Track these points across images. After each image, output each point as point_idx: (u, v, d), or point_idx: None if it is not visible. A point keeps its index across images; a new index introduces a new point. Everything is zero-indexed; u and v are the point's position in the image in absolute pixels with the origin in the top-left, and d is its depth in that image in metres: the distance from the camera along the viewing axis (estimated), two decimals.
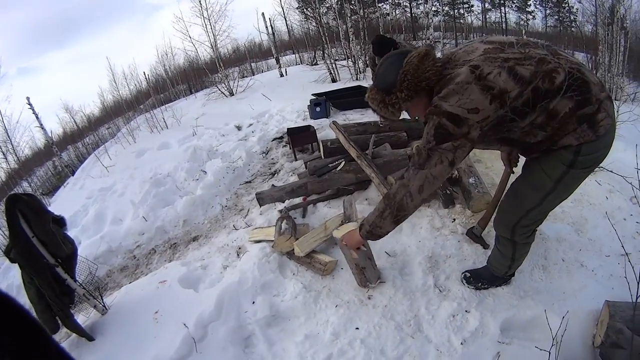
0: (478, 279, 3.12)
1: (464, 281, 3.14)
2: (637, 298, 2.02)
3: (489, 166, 4.94)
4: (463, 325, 2.84)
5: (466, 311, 2.94)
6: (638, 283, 1.98)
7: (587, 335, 2.71)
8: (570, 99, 2.00)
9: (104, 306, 3.56)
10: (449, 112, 2.03)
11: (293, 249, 3.67)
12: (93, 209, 6.52)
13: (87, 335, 3.27)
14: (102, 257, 5.16)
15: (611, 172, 4.33)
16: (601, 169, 4.70)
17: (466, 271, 3.20)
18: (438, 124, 2.07)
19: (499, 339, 2.73)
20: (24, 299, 4.38)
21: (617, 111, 6.12)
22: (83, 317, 3.51)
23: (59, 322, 3.29)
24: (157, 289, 3.65)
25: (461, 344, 2.72)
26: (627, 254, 2.17)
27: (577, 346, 2.67)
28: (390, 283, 3.27)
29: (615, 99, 9.96)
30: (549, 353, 2.17)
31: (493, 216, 3.03)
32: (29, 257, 3.09)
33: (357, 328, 2.92)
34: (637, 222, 2.63)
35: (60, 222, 3.47)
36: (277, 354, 2.87)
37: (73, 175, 11.38)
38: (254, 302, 3.25)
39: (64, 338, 3.46)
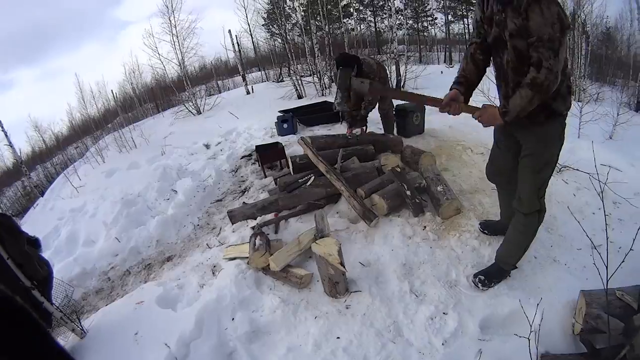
0: (491, 279, 3.33)
1: (479, 285, 3.31)
2: (607, 284, 2.21)
3: (456, 174, 5.12)
4: (442, 327, 3.00)
5: (444, 313, 3.11)
6: (607, 270, 2.17)
7: (567, 325, 2.92)
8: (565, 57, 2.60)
9: (82, 329, 3.47)
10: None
11: (268, 265, 3.73)
12: (65, 231, 6.42)
13: (69, 358, 3.18)
14: (77, 279, 5.08)
15: (577, 170, 4.50)
16: (567, 168, 4.93)
17: (478, 274, 3.37)
18: (557, 11, 2.38)
19: (479, 337, 2.91)
20: None
21: (581, 112, 6.37)
22: (61, 341, 3.40)
23: None
24: (135, 310, 3.62)
25: (442, 344, 2.87)
26: (596, 246, 2.31)
27: (558, 336, 2.87)
28: (366, 292, 3.37)
29: (578, 100, 10.36)
30: (528, 340, 2.30)
31: None
32: (4, 279, 2.85)
33: (338, 337, 3.00)
34: (607, 215, 2.80)
35: (35, 243, 3.46)
36: None
37: (42, 196, 11.17)
38: (233, 319, 3.28)
39: None
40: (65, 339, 3.45)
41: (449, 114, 2.97)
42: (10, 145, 12.80)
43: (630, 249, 2.30)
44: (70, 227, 6.54)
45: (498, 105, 2.79)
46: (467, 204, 4.42)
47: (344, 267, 3.22)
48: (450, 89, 3.05)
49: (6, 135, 12.61)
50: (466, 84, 3.08)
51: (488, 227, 3.95)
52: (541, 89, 2.52)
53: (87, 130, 21.00)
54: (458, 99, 2.98)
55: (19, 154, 13.34)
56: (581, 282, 3.00)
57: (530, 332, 2.34)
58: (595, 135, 6.34)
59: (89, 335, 3.45)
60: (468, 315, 3.07)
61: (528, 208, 3.08)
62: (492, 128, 3.14)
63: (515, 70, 2.73)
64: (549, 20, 2.36)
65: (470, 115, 2.91)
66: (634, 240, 2.13)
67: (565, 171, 4.97)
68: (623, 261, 2.28)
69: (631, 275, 2.85)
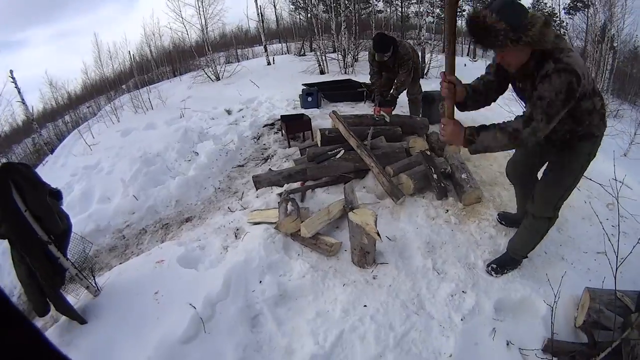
0: (504, 267, 3.46)
1: (493, 272, 3.43)
2: (615, 271, 2.43)
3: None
4: (461, 304, 3.12)
5: (463, 292, 3.24)
6: (617, 258, 2.39)
7: (569, 317, 3.10)
8: (599, 98, 2.76)
9: (97, 287, 3.39)
10: (578, 73, 2.40)
11: (297, 231, 3.70)
12: (79, 187, 6.32)
13: (79, 317, 3.08)
14: (90, 236, 4.89)
15: (590, 179, 4.56)
16: (582, 177, 4.93)
17: (491, 263, 3.49)
18: (570, 81, 2.40)
19: (493, 317, 3.04)
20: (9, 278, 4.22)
21: None
22: (73, 298, 3.31)
23: (49, 303, 3.11)
24: (155, 269, 3.55)
25: (461, 320, 2.97)
26: (600, 252, 2.30)
27: (560, 326, 2.97)
28: (392, 265, 3.45)
29: None
30: (552, 306, 2.59)
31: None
32: (21, 232, 2.86)
33: (365, 305, 3.05)
34: (613, 226, 2.80)
35: (56, 195, 3.32)
36: (286, 332, 2.90)
37: (52, 154, 11.12)
38: (261, 282, 3.25)
39: (49, 322, 3.34)
40: (77, 296, 3.35)
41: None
42: (23, 102, 12.71)
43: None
44: (84, 183, 6.46)
45: (466, 128, 2.77)
46: (487, 194, 4.49)
47: (380, 236, 3.22)
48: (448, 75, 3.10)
49: (19, 92, 12.51)
50: (473, 93, 3.07)
51: (505, 219, 4.08)
52: (516, 142, 2.62)
53: (101, 90, 20.96)
54: (457, 86, 2.93)
55: (31, 111, 13.25)
56: (584, 282, 3.13)
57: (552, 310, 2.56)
58: (610, 151, 6.29)
59: (104, 293, 3.37)
60: (484, 296, 3.21)
61: (540, 213, 3.22)
62: None
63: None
64: (557, 87, 2.42)
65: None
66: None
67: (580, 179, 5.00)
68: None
69: (632, 283, 3.15)
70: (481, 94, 3.07)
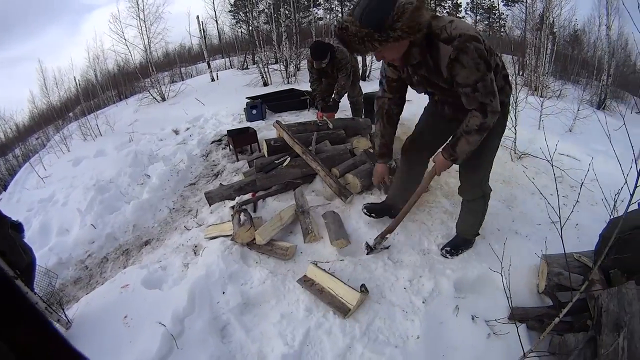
0: (457, 248, 3.64)
1: (447, 255, 3.59)
2: (564, 246, 2.47)
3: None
4: (420, 289, 3.25)
5: (420, 276, 3.34)
6: (562, 236, 2.39)
7: (532, 285, 3.33)
8: (498, 57, 2.85)
9: (68, 319, 3.35)
10: (473, 34, 2.45)
11: (253, 240, 3.85)
12: (36, 221, 6.29)
13: None
14: (53, 269, 4.82)
15: (536, 157, 4.80)
16: (526, 155, 5.23)
17: (444, 247, 3.65)
18: (476, 47, 2.44)
19: (455, 295, 3.16)
20: None
21: (542, 106, 6.71)
22: None
23: None
24: (121, 294, 3.59)
25: (423, 302, 3.10)
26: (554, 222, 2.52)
27: (525, 294, 3.23)
28: (347, 261, 3.54)
29: (540, 96, 10.85)
30: (501, 275, 2.69)
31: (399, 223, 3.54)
32: None
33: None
34: (564, 196, 3.03)
35: (18, 228, 3.38)
36: (256, 338, 2.98)
37: (5, 190, 10.95)
38: (224, 292, 3.35)
39: None
40: None
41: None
42: None
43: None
44: (41, 217, 6.43)
45: (442, 153, 3.02)
46: (433, 183, 4.55)
47: None
48: (379, 162, 3.66)
49: None
50: (388, 152, 3.55)
51: (373, 211, 4.07)
52: (488, 129, 2.73)
53: (49, 120, 20.55)
54: (388, 172, 3.63)
55: None
56: (542, 250, 3.21)
57: (506, 291, 2.63)
58: (555, 128, 6.68)
59: (75, 324, 3.37)
60: (442, 277, 3.34)
61: (474, 196, 3.45)
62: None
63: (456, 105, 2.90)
64: (472, 62, 2.46)
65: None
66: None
67: (525, 158, 5.30)
68: None
69: (591, 245, 3.17)
70: (392, 132, 3.47)
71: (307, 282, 3.34)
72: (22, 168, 12.54)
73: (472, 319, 2.98)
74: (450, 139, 3.00)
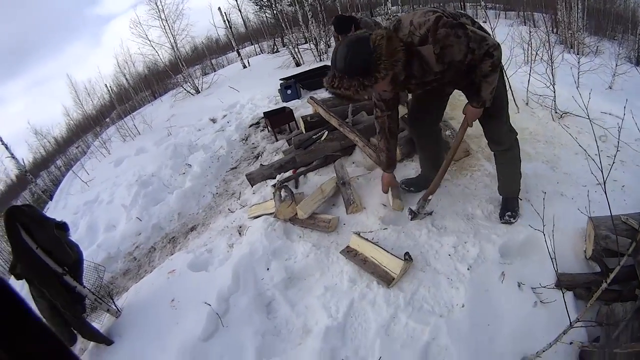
0: (514, 209, 3.46)
1: (512, 219, 3.40)
2: (610, 210, 2.27)
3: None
4: (465, 255, 3.13)
5: (465, 242, 3.24)
6: (607, 197, 2.25)
7: (579, 250, 3.12)
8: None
9: (117, 309, 3.48)
10: (433, 19, 2.47)
11: (295, 215, 3.82)
12: (83, 222, 6.46)
13: (105, 340, 3.20)
14: (103, 264, 4.91)
15: (578, 116, 4.60)
16: (567, 114, 5.01)
17: (505, 213, 3.44)
18: (444, 28, 2.47)
19: (500, 261, 3.04)
20: None
21: (578, 62, 6.43)
22: (97, 324, 3.43)
23: (75, 332, 3.22)
24: (168, 280, 3.65)
25: (468, 269, 2.99)
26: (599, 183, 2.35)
27: (572, 260, 3.07)
28: (390, 229, 3.48)
29: (577, 53, 10.49)
30: (546, 239, 2.45)
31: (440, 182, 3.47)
32: (36, 269, 2.97)
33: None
34: (608, 157, 2.85)
35: (63, 227, 3.41)
36: (301, 312, 2.98)
37: (51, 199, 11.26)
38: (268, 269, 3.35)
39: (79, 351, 3.44)
40: (100, 321, 3.47)
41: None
42: (13, 156, 12.75)
43: None
44: (87, 218, 6.61)
45: (469, 104, 3.03)
46: (474, 146, 4.52)
47: None
48: (386, 171, 3.70)
49: (7, 148, 12.55)
50: (394, 162, 3.66)
51: (412, 185, 4.04)
52: (499, 63, 2.75)
53: (86, 129, 21.06)
54: (394, 181, 3.77)
55: (23, 163, 13.32)
56: (589, 213, 3.03)
57: (551, 255, 2.47)
58: (594, 85, 6.37)
59: (125, 313, 3.48)
60: (487, 243, 3.20)
61: (508, 143, 3.35)
62: None
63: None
64: (455, 40, 2.51)
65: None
66: None
67: (566, 117, 5.06)
68: None
69: (635, 208, 3.12)
70: (395, 145, 3.54)
71: (350, 253, 3.29)
72: (65, 177, 12.87)
73: (519, 285, 2.88)
74: (468, 91, 3.05)
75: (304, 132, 5.43)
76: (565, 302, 2.27)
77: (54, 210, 9.38)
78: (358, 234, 3.36)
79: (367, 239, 3.27)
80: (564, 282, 2.79)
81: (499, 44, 2.69)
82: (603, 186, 2.21)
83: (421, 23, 2.50)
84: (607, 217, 2.57)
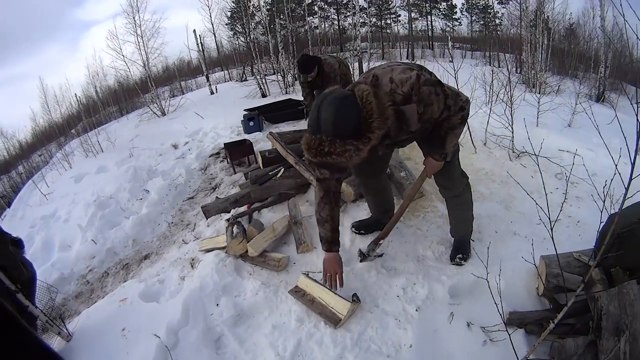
0: (465, 251, 3.54)
1: (462, 261, 3.48)
2: (552, 234, 2.43)
3: (418, 162, 5.19)
4: (414, 296, 3.18)
5: (414, 284, 3.30)
6: (552, 236, 2.39)
7: (531, 288, 3.20)
8: None
9: (68, 332, 3.42)
10: (414, 77, 2.43)
11: (246, 251, 3.91)
12: (39, 237, 6.42)
13: None
14: (55, 285, 4.92)
15: (535, 155, 4.86)
16: (524, 153, 5.24)
17: (456, 255, 3.51)
18: (426, 86, 2.46)
19: (449, 302, 3.11)
20: None
21: (539, 102, 6.70)
22: None
23: None
24: (119, 307, 3.65)
25: (416, 310, 3.04)
26: (553, 221, 2.51)
27: (524, 297, 3.14)
28: None
29: (538, 93, 10.85)
30: (489, 279, 2.52)
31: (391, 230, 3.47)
32: None
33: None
34: (563, 194, 3.04)
35: (18, 244, 3.46)
36: (249, 349, 3.00)
37: (9, 207, 11.11)
38: (218, 304, 3.39)
39: None
40: (51, 344, 3.40)
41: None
42: None
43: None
44: (44, 233, 6.57)
45: (430, 157, 3.05)
46: (428, 187, 4.58)
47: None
48: (330, 251, 3.22)
49: None
50: (338, 237, 3.23)
51: (362, 227, 4.04)
52: (467, 117, 2.84)
53: (51, 137, 20.75)
54: (340, 266, 3.24)
55: None
56: (542, 251, 3.15)
57: (496, 297, 2.54)
58: (554, 124, 6.65)
59: (75, 337, 3.44)
60: (437, 284, 3.28)
61: (460, 189, 3.39)
62: None
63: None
64: (434, 99, 2.51)
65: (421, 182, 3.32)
66: None
67: (523, 156, 5.29)
68: None
69: (590, 244, 3.08)
70: (338, 214, 3.19)
71: (298, 293, 3.36)
72: (25, 185, 12.72)
73: (468, 325, 2.92)
74: (430, 144, 3.05)
75: (261, 167, 5.56)
76: (511, 340, 2.29)
77: (11, 219, 9.29)
78: (306, 274, 3.43)
79: (315, 280, 3.33)
80: (514, 321, 2.84)
81: (468, 98, 2.76)
82: (550, 228, 2.37)
83: (403, 80, 2.42)
84: (560, 254, 2.65)
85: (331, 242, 3.19)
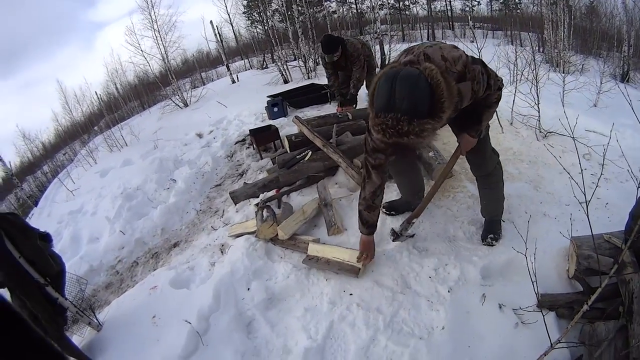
0: (496, 232, 3.49)
1: (493, 242, 3.43)
2: (591, 228, 2.31)
3: (446, 142, 5.17)
4: (446, 277, 3.15)
5: (446, 264, 3.24)
6: (588, 216, 2.23)
7: (562, 270, 3.10)
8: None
9: (99, 322, 3.49)
10: (465, 56, 2.43)
11: (276, 235, 3.86)
12: (67, 232, 6.41)
13: (84, 357, 3.16)
14: (85, 277, 4.95)
15: (562, 135, 4.68)
16: (552, 133, 5.08)
17: (488, 235, 3.46)
18: (474, 65, 2.46)
19: (481, 283, 3.05)
20: None
21: (563, 81, 6.54)
22: (78, 337, 3.46)
23: None
24: (150, 296, 3.67)
25: (448, 292, 3.01)
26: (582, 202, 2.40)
27: (554, 279, 3.05)
28: None
29: (562, 72, 10.64)
30: (526, 259, 2.51)
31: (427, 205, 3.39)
32: (18, 278, 2.96)
33: (350, 294, 3.12)
34: (592, 174, 2.90)
35: (46, 238, 3.44)
36: (280, 333, 3.00)
37: (36, 206, 11.20)
38: (249, 289, 3.38)
39: None
40: (81, 334, 3.49)
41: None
42: (0, 158, 12.66)
43: None
44: (71, 228, 6.55)
45: (466, 133, 3.01)
46: (457, 167, 4.51)
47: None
48: (371, 234, 3.24)
49: None
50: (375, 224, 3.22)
51: (394, 208, 4.01)
52: (500, 98, 2.84)
53: (74, 136, 20.96)
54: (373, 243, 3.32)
55: (9, 166, 13.23)
56: (572, 232, 3.01)
57: (532, 277, 2.48)
58: (579, 104, 6.47)
59: (106, 327, 3.49)
60: (469, 265, 3.23)
61: (491, 167, 3.32)
62: None
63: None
64: (480, 76, 2.49)
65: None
66: None
67: (550, 136, 5.15)
68: None
69: (618, 226, 3.00)
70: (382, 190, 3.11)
71: (312, 260, 3.42)
72: (51, 184, 12.86)
73: (500, 307, 2.87)
74: (467, 120, 2.95)
75: (289, 151, 5.50)
76: (545, 323, 2.26)
77: (38, 217, 9.32)
78: (315, 240, 3.53)
79: (323, 243, 3.42)
80: (545, 303, 2.80)
81: (502, 78, 2.76)
82: (585, 207, 2.22)
83: (455, 58, 2.38)
84: (590, 236, 2.53)
85: (374, 226, 3.21)
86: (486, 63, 2.65)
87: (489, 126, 3.19)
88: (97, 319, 3.50)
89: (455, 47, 2.50)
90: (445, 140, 5.22)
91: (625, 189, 4.00)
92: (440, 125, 2.20)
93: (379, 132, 2.15)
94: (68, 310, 3.30)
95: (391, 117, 2.06)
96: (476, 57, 2.62)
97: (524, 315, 2.77)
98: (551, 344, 2.16)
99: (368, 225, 3.17)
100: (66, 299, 3.33)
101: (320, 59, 7.08)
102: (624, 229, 2.83)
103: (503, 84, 2.75)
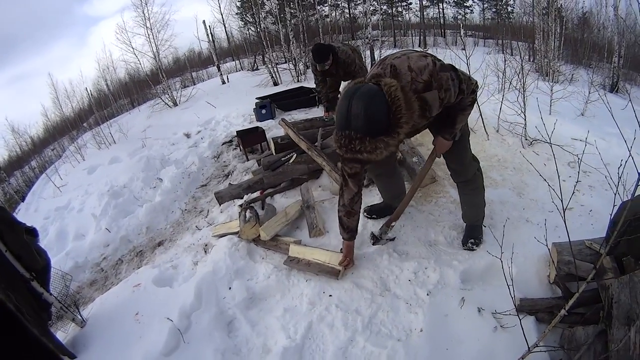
0: (477, 237, 3.54)
1: (474, 247, 3.48)
2: (568, 234, 2.40)
3: (430, 147, 5.16)
4: (426, 280, 3.20)
5: (426, 268, 3.29)
6: (565, 222, 2.35)
7: (543, 275, 3.18)
8: None
9: (82, 319, 3.48)
10: (431, 64, 2.48)
11: (259, 236, 3.91)
12: (53, 228, 6.46)
13: (68, 353, 3.13)
14: (70, 273, 4.93)
15: (548, 143, 4.78)
16: (537, 141, 5.19)
17: (468, 240, 3.52)
18: (442, 72, 2.50)
19: (460, 287, 3.10)
20: None
21: (551, 90, 6.65)
22: (62, 333, 3.46)
23: None
24: (133, 293, 3.70)
25: (427, 295, 3.05)
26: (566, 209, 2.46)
27: (535, 284, 3.12)
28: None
29: (552, 81, 10.79)
30: (502, 263, 2.53)
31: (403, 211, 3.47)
32: (4, 272, 2.91)
33: (330, 295, 3.17)
34: (576, 182, 2.99)
35: (32, 232, 3.47)
36: (260, 332, 3.04)
37: (23, 201, 11.17)
38: (230, 288, 3.43)
39: None
40: (65, 330, 3.50)
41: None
42: None
43: None
44: (58, 224, 6.59)
45: (440, 136, 3.07)
46: (440, 173, 4.60)
47: None
48: (352, 239, 3.35)
49: None
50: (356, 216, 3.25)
51: (374, 212, 4.08)
52: (473, 105, 2.90)
53: (63, 131, 20.86)
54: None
55: None
56: (554, 239, 3.11)
57: (509, 282, 2.50)
58: (567, 112, 6.59)
59: (89, 323, 3.50)
60: (448, 268, 3.27)
61: (471, 173, 3.40)
62: None
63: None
64: (451, 84, 2.53)
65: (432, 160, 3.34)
66: None
67: (536, 144, 5.25)
68: None
69: (601, 232, 3.10)
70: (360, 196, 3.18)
71: (293, 261, 3.49)
72: (39, 179, 12.79)
73: (479, 311, 2.89)
74: (440, 124, 3.04)
75: (274, 153, 5.57)
76: (522, 326, 2.29)
77: (25, 213, 9.32)
78: (296, 242, 3.60)
79: (304, 245, 3.49)
80: (525, 307, 2.84)
81: (477, 81, 2.83)
82: (563, 213, 2.33)
83: (421, 68, 2.44)
84: (571, 242, 2.58)
85: (355, 231, 3.30)
86: (457, 67, 2.71)
87: (468, 132, 3.28)
88: (81, 316, 3.51)
89: (424, 56, 2.56)
90: (430, 145, 5.21)
91: (609, 197, 4.07)
92: (399, 141, 2.28)
93: (337, 148, 2.28)
94: (52, 306, 3.30)
95: (345, 135, 2.17)
96: (447, 63, 2.65)
97: (502, 319, 2.82)
98: (528, 348, 2.21)
99: (349, 231, 3.25)
100: (51, 294, 3.34)
101: (310, 64, 7.10)
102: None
103: (477, 86, 2.82)
